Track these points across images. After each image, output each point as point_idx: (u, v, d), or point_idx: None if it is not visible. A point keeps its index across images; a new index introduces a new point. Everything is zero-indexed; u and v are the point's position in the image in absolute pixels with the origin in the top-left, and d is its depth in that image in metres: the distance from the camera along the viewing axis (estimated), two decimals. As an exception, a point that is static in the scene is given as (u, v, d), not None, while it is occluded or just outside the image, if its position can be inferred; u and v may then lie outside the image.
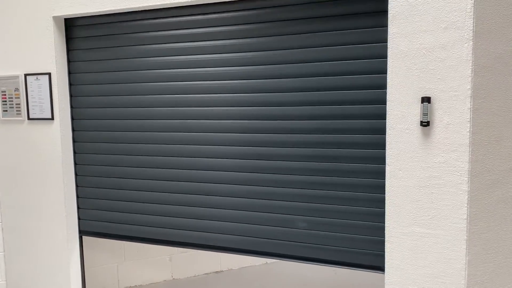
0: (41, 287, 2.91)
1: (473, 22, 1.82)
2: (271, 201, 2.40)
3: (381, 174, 2.15)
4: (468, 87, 1.85)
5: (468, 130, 1.87)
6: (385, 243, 2.08)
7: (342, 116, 2.20)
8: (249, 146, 2.41)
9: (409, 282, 2.04)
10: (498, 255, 1.99)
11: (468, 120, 1.87)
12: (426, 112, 1.92)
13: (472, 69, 1.84)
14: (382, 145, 2.14)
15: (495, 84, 1.89)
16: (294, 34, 2.26)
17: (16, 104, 2.81)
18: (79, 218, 2.88)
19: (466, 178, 1.90)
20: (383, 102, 2.11)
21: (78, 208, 2.88)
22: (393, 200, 2.04)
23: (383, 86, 2.10)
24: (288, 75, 2.29)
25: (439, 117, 1.92)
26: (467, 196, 1.90)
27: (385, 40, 2.07)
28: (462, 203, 1.91)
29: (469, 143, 1.88)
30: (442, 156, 1.93)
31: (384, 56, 2.08)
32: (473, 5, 1.81)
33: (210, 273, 3.76)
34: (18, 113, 2.81)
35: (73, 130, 2.83)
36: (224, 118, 2.45)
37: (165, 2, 2.41)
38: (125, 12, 2.60)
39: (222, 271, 3.80)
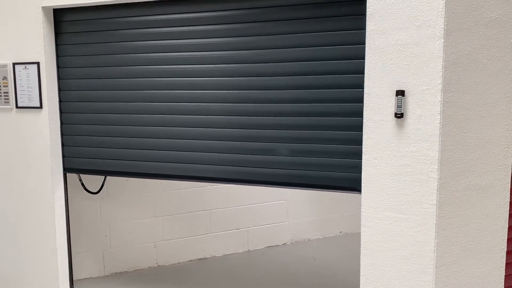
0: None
1: (444, 21, 1.95)
2: (254, 131, 2.49)
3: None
4: (439, 81, 1.99)
5: (438, 121, 2.01)
6: (361, 227, 2.21)
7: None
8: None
9: (383, 264, 2.18)
10: (465, 238, 2.14)
11: (439, 112, 2.00)
12: (400, 104, 2.05)
13: (443, 65, 1.98)
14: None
15: (464, 79, 2.03)
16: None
17: (4, 92, 2.85)
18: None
19: (436, 167, 2.04)
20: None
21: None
22: (369, 187, 2.17)
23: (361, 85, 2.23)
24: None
25: (412, 109, 2.05)
26: (436, 183, 2.05)
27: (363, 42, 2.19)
28: (432, 189, 2.05)
29: (439, 133, 2.02)
30: (414, 146, 2.07)
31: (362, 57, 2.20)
32: (444, 5, 1.95)
33: (195, 260, 3.86)
34: (6, 101, 2.86)
35: (61, 120, 2.89)
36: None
37: (154, -5, 2.49)
38: (114, 4, 2.66)
39: (206, 258, 3.90)
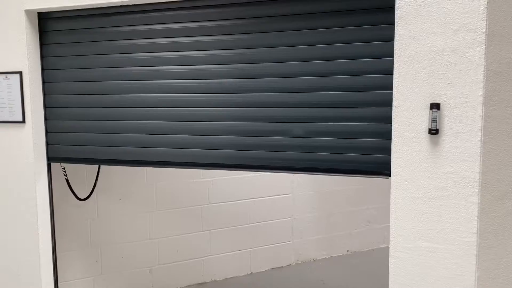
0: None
1: (486, 24, 1.72)
2: (264, 109, 2.19)
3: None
4: (480, 93, 1.75)
5: (479, 138, 1.77)
6: (389, 259, 1.95)
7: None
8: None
9: (414, 300, 1.92)
10: (508, 269, 1.89)
11: (479, 128, 1.76)
12: (435, 119, 1.80)
13: (484, 74, 1.74)
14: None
15: (508, 90, 1.79)
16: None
17: (-17, 105, 2.56)
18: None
19: (476, 190, 1.79)
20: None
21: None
22: (398, 213, 1.92)
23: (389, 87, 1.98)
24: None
25: (448, 124, 1.81)
26: (477, 209, 1.80)
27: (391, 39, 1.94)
28: (472, 216, 1.80)
29: (480, 152, 1.77)
30: (451, 166, 1.82)
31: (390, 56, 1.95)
32: (486, 6, 1.71)
33: (193, 285, 3.57)
34: (-15, 115, 2.56)
35: (46, 132, 2.60)
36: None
37: (151, -3, 2.23)
38: (106, 7, 2.39)
39: (206, 282, 3.62)
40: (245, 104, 2.22)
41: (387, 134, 1.98)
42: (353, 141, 2.07)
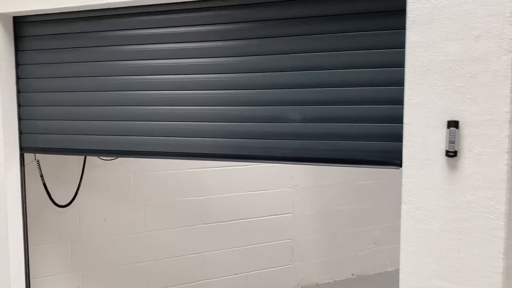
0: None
1: (514, 29, 1.47)
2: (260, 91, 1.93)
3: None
4: (506, 109, 1.50)
5: (505, 163, 1.51)
6: (400, 300, 1.69)
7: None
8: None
9: None
10: (538, 316, 1.62)
11: (506, 150, 1.51)
12: (453, 139, 1.55)
13: (511, 87, 1.49)
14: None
15: (539, 106, 1.54)
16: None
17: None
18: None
19: (503, 223, 1.53)
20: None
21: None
22: (410, 247, 1.65)
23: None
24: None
25: (468, 145, 1.55)
26: (503, 244, 1.54)
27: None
28: (497, 252, 1.54)
29: (507, 178, 1.52)
30: (472, 195, 1.56)
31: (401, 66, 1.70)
32: (513, 8, 1.47)
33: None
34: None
35: (20, 147, 2.38)
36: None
37: (133, -1, 2.01)
38: (86, 10, 2.18)
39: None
40: (237, 87, 1.98)
41: (397, 119, 1.72)
42: (360, 127, 1.81)
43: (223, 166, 3.36)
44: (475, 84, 1.53)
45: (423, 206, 1.63)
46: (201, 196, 3.31)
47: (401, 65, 1.67)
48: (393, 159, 1.76)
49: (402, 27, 1.66)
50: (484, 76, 1.52)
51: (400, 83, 1.69)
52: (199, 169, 3.29)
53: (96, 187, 2.97)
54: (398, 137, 1.71)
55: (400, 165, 1.68)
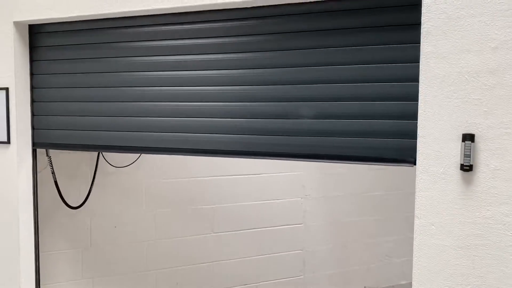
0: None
1: (532, 41, 1.44)
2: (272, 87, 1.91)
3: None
4: (524, 123, 1.45)
5: (523, 178, 1.47)
6: (412, 317, 1.64)
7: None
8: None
9: None
10: (557, 338, 1.56)
11: (524, 165, 1.46)
12: (468, 153, 1.51)
13: (529, 100, 1.45)
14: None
15: (558, 120, 1.49)
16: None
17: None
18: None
19: (520, 240, 1.48)
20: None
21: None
22: (423, 263, 1.61)
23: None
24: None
25: (484, 159, 1.51)
26: (520, 263, 1.48)
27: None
28: (513, 271, 1.49)
29: (524, 194, 1.47)
30: (488, 210, 1.52)
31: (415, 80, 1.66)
32: (532, 20, 1.43)
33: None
34: (-31, 134, 2.37)
35: (33, 142, 2.39)
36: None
37: (146, 8, 2.01)
38: (100, 19, 2.19)
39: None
40: (249, 83, 1.97)
41: (412, 116, 1.67)
42: (373, 124, 1.77)
43: (234, 175, 3.34)
44: (491, 97, 1.49)
45: (436, 221, 1.58)
46: (212, 205, 3.29)
47: (416, 60, 1.63)
48: (407, 156, 1.71)
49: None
50: (501, 89, 1.48)
51: (416, 79, 1.64)
52: (210, 178, 3.28)
53: (108, 194, 2.97)
54: (412, 134, 1.66)
55: (414, 163, 1.64)
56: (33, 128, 2.38)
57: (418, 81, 1.60)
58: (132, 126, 2.17)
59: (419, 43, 1.58)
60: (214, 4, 1.91)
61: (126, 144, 2.20)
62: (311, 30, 1.84)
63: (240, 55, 1.97)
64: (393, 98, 1.73)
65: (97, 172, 2.88)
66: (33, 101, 2.38)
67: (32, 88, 2.37)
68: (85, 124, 2.27)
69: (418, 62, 1.59)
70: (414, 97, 1.64)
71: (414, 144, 1.63)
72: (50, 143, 2.37)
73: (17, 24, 2.27)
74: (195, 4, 1.92)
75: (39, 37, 2.35)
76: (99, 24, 2.20)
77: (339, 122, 1.82)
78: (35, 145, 2.38)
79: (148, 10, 2.03)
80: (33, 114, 2.38)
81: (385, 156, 1.76)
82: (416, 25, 1.62)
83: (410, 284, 1.66)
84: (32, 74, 2.37)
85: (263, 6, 1.89)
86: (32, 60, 2.36)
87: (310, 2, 1.80)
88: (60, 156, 2.73)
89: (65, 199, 2.75)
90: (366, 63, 1.76)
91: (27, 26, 2.33)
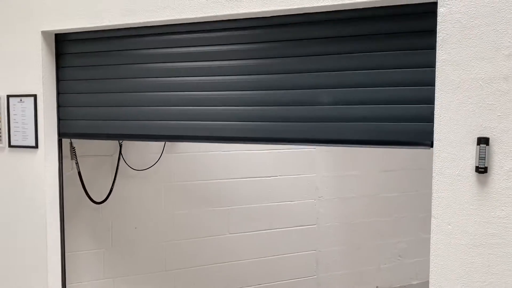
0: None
1: (544, 49, 1.50)
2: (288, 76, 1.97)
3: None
4: (537, 127, 1.52)
5: (536, 179, 1.53)
6: (429, 313, 1.71)
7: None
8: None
9: None
10: None
11: (537, 167, 1.53)
12: (483, 156, 1.58)
13: (542, 105, 1.52)
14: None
15: None
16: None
17: (-4, 128, 2.47)
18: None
19: (534, 238, 1.54)
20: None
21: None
22: (439, 261, 1.68)
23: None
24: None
25: (499, 162, 1.58)
26: (534, 261, 1.55)
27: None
28: (527, 268, 1.56)
29: (537, 195, 1.54)
30: (503, 210, 1.58)
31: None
32: (544, 28, 1.50)
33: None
34: (-2, 138, 2.47)
35: (59, 133, 2.49)
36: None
37: (169, 18, 2.10)
38: (124, 28, 2.28)
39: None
40: (269, 72, 2.03)
41: (427, 101, 1.74)
42: (389, 109, 1.83)
43: (249, 177, 3.42)
44: (505, 102, 1.56)
45: (453, 221, 1.65)
46: (227, 207, 3.38)
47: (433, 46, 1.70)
48: (425, 139, 1.77)
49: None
50: (514, 94, 1.55)
51: (432, 65, 1.70)
52: (225, 180, 3.36)
53: (128, 196, 3.07)
54: (428, 118, 1.73)
55: (431, 145, 1.70)
56: (59, 134, 2.48)
57: (432, 67, 1.68)
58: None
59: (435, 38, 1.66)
60: (231, 15, 1.99)
61: (150, 133, 2.29)
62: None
63: (259, 45, 2.05)
64: (409, 84, 1.79)
65: (117, 176, 2.97)
66: (59, 106, 2.48)
67: (58, 93, 2.47)
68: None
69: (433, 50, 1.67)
70: (430, 83, 1.71)
71: (430, 127, 1.70)
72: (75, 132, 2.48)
73: (44, 33, 2.37)
74: (216, 14, 2.01)
75: (64, 45, 2.44)
76: (122, 32, 2.29)
77: (357, 108, 1.89)
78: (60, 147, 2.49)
79: (171, 20, 2.11)
80: (59, 119, 2.48)
81: (402, 140, 1.82)
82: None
83: (423, 284, 1.72)
84: (58, 80, 2.46)
85: (284, 16, 1.98)
86: (58, 67, 2.46)
87: (335, 11, 1.88)
88: (81, 160, 2.83)
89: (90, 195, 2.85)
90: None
91: (54, 35, 2.43)
